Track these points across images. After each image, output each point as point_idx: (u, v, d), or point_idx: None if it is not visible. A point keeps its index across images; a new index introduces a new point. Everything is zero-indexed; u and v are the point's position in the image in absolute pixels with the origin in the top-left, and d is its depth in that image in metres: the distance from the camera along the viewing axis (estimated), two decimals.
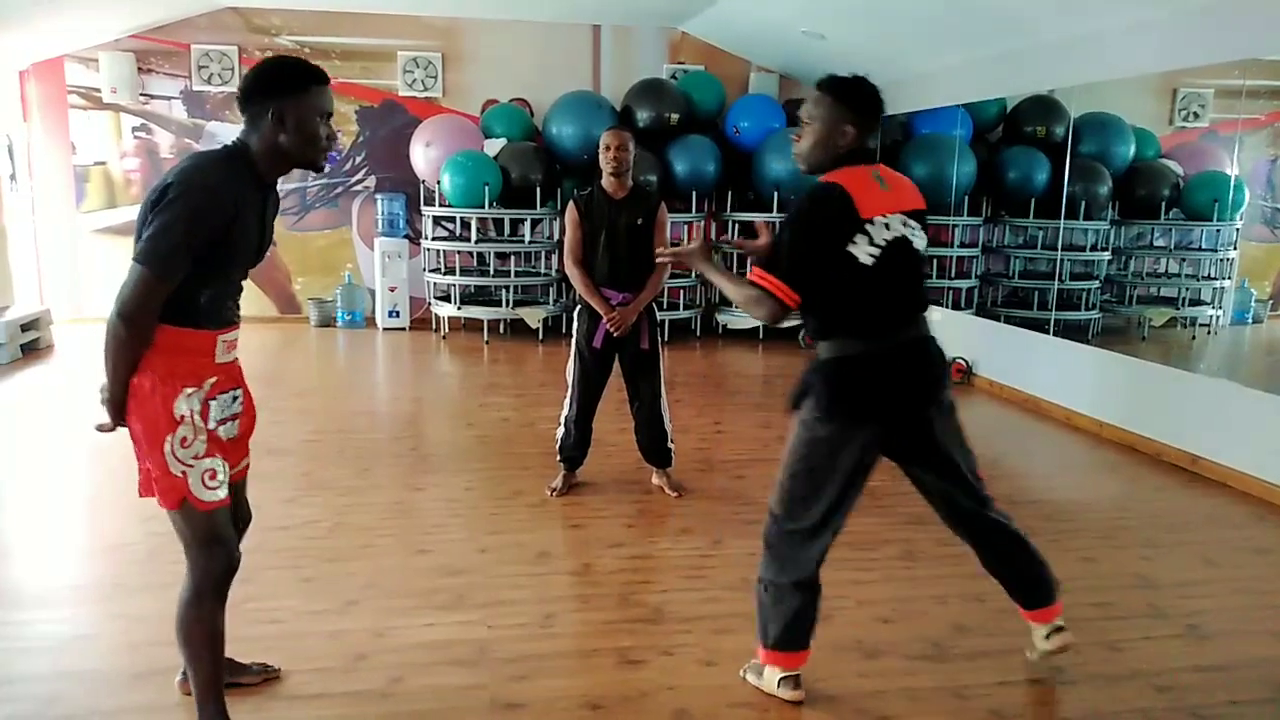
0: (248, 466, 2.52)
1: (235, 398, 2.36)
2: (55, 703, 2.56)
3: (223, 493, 2.23)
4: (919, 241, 2.51)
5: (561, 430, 4.38)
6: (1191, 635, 3.12)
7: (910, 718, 2.60)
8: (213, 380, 2.24)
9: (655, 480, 4.46)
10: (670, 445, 4.40)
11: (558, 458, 4.41)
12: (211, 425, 2.22)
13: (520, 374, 7.51)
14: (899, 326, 2.51)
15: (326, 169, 2.27)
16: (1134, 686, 2.76)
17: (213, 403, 2.23)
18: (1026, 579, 2.76)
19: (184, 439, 2.16)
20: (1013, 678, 2.81)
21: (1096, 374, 5.84)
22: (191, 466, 2.17)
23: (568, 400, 4.35)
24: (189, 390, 2.17)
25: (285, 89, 2.17)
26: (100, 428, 2.24)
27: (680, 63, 9.41)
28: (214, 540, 2.23)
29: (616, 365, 4.31)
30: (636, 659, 2.87)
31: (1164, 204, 7.69)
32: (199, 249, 2.08)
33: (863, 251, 2.37)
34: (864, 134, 2.47)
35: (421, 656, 2.85)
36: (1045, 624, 2.75)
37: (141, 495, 2.26)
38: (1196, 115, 7.58)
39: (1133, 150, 7.74)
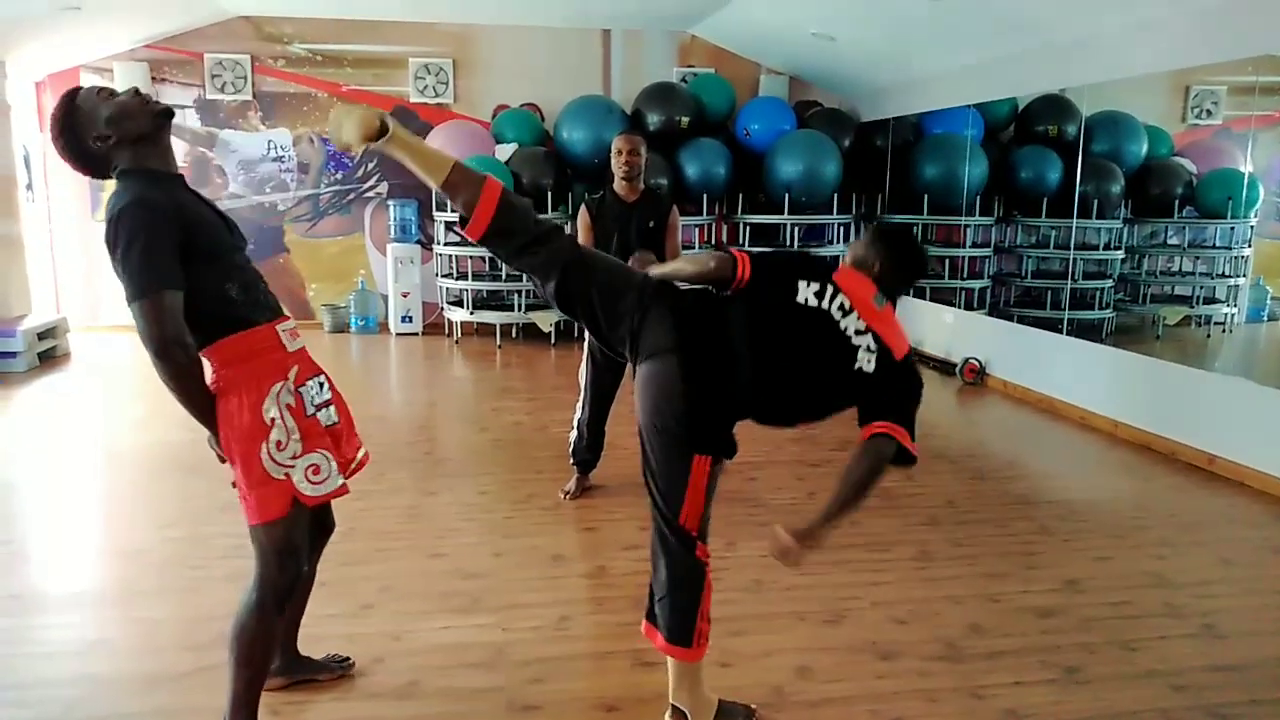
0: (367, 456, 2.53)
1: (322, 384, 2.35)
2: (78, 706, 2.59)
3: (335, 482, 2.23)
4: (862, 359, 2.31)
5: (574, 433, 4.39)
6: (1208, 634, 3.11)
7: (926, 719, 2.60)
8: (295, 369, 2.25)
9: None
10: None
11: (571, 461, 4.43)
12: (310, 412, 2.23)
13: (533, 378, 7.53)
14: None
15: (169, 109, 2.26)
16: (1151, 686, 2.76)
17: (302, 390, 2.24)
18: None
19: (279, 443, 2.15)
20: (1028, 678, 2.80)
21: (1111, 373, 5.81)
22: (293, 466, 2.17)
23: (580, 403, 4.36)
24: (277, 386, 2.17)
25: (75, 123, 2.17)
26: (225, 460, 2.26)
27: (690, 66, 9.42)
28: (287, 550, 2.23)
29: (629, 368, 4.31)
30: (651, 661, 2.86)
31: (1177, 202, 7.66)
32: (172, 247, 2.06)
33: (805, 293, 2.33)
34: (888, 275, 2.44)
35: (437, 659, 2.87)
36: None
37: (252, 523, 2.22)
38: (1209, 112, 7.55)
39: (1145, 148, 7.72)
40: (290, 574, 2.26)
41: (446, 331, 9.05)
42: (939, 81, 7.95)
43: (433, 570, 3.55)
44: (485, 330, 8.97)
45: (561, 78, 9.07)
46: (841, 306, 2.33)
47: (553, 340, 8.66)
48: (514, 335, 8.90)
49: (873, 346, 2.33)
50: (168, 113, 2.24)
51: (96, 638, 3.03)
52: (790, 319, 2.32)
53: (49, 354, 7.54)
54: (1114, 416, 5.70)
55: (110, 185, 2.20)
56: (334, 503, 4.24)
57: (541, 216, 2.67)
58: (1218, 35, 5.04)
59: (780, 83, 9.49)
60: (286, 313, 2.36)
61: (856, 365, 2.32)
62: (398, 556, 3.68)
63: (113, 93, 2.20)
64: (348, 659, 2.79)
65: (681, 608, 2.46)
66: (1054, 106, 8.08)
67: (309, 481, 2.19)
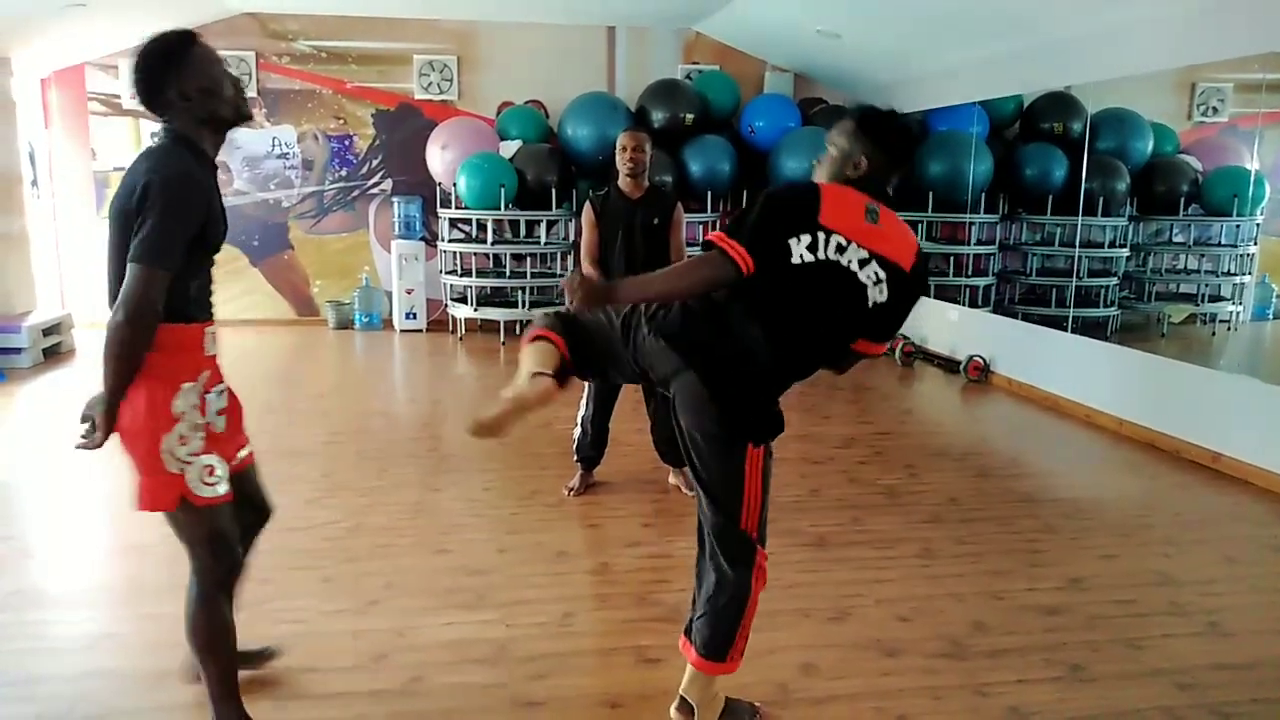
0: (251, 454, 2.52)
1: (222, 392, 2.36)
2: (82, 701, 2.59)
3: (223, 488, 2.23)
4: (873, 293, 2.25)
5: (578, 430, 4.39)
6: (1213, 633, 3.10)
7: (931, 715, 2.60)
8: (206, 373, 2.26)
9: (672, 479, 4.47)
10: None
11: (575, 458, 4.43)
12: (209, 418, 2.24)
13: None
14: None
15: (253, 116, 2.29)
16: (1155, 684, 2.75)
17: (208, 396, 2.25)
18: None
19: (182, 436, 2.15)
20: (1033, 675, 2.80)
21: (1116, 371, 5.80)
22: (189, 463, 2.16)
23: (584, 401, 4.36)
24: (187, 385, 2.18)
25: (170, 65, 2.16)
26: (85, 445, 2.17)
27: (695, 63, 9.41)
28: (217, 538, 2.24)
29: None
30: (655, 657, 2.88)
31: (1183, 199, 7.64)
32: (191, 235, 2.09)
33: (798, 251, 2.21)
34: (878, 170, 2.32)
35: (442, 655, 2.87)
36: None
37: (139, 508, 2.19)
38: (1216, 110, 7.53)
39: (1151, 146, 7.70)
40: (226, 561, 2.27)
41: (450, 328, 9.05)
42: (944, 78, 7.93)
43: (437, 566, 3.56)
44: (489, 327, 8.97)
45: (566, 74, 9.07)
46: (839, 247, 2.21)
47: None
48: (517, 332, 8.89)
49: (880, 274, 2.24)
50: (247, 117, 2.28)
51: (102, 633, 3.04)
52: (791, 286, 2.21)
53: (54, 350, 7.55)
54: (1119, 414, 5.69)
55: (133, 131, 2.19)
56: (340, 497, 4.28)
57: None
58: (1224, 32, 5.03)
59: (785, 80, 9.48)
60: (214, 317, 2.35)
61: (870, 302, 2.25)
62: (402, 552, 3.69)
63: (225, 69, 2.23)
64: (271, 648, 2.75)
65: (725, 624, 2.40)
66: (1059, 103, 8.06)
67: (203, 482, 2.18)
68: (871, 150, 2.31)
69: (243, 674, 2.49)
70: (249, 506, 2.51)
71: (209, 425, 2.24)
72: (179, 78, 2.16)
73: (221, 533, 2.25)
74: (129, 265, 2.05)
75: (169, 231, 2.05)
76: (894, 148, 2.35)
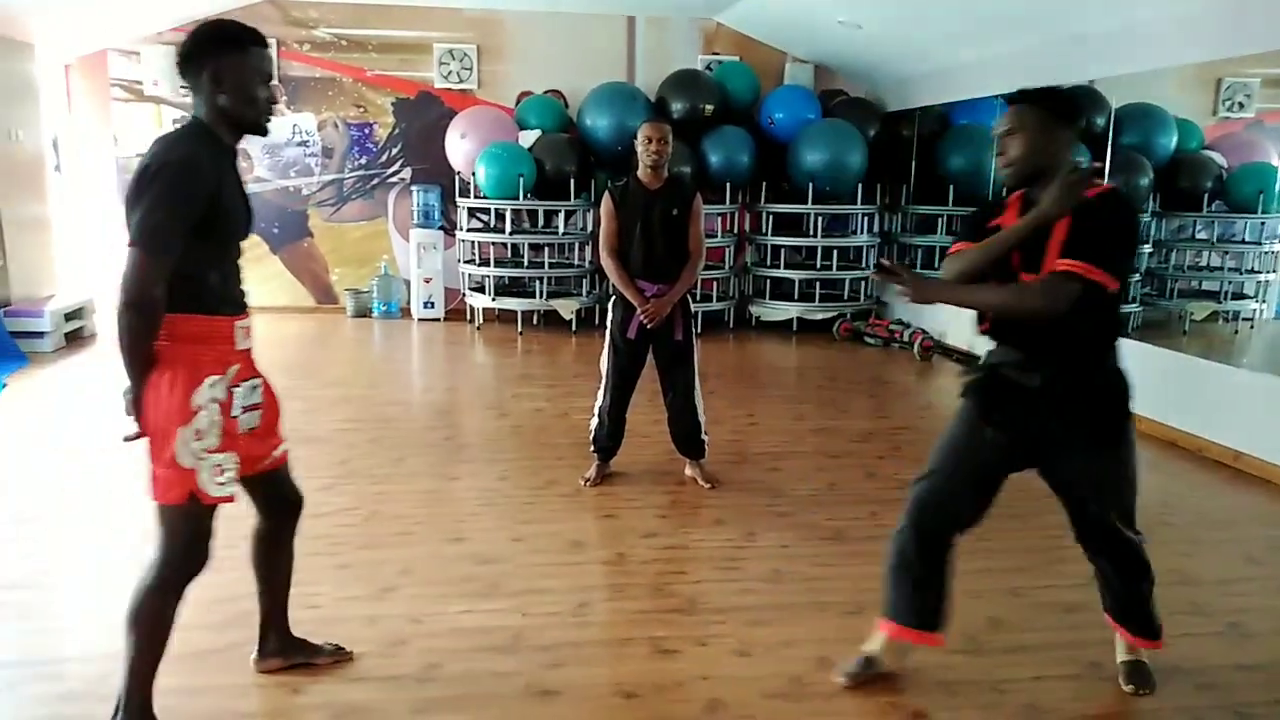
0: (286, 453, 2.53)
1: (255, 387, 2.36)
2: (104, 681, 2.61)
3: (230, 489, 2.22)
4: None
5: (595, 421, 4.39)
6: (1233, 633, 3.08)
7: (947, 711, 2.59)
8: (236, 368, 2.25)
9: (688, 472, 4.47)
10: (704, 437, 4.40)
11: (591, 448, 4.43)
12: (234, 413, 2.23)
13: (554, 365, 7.53)
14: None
15: (269, 132, 2.30)
16: (1175, 684, 2.73)
17: (236, 390, 2.24)
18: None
19: (198, 431, 2.15)
20: (1050, 673, 2.79)
21: (1136, 368, 5.66)
22: (203, 459, 2.16)
23: (602, 391, 4.36)
24: (213, 379, 2.17)
25: (221, 49, 2.18)
26: (130, 438, 2.21)
27: (715, 53, 9.37)
28: (201, 539, 2.23)
29: (651, 356, 4.31)
30: (670, 648, 2.88)
31: (1207, 196, 7.55)
32: (191, 222, 2.08)
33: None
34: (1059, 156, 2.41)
35: (457, 643, 2.88)
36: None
37: (151, 498, 2.21)
38: (1241, 105, 7.43)
39: (1175, 141, 7.60)
40: (198, 561, 2.25)
41: (468, 317, 9.07)
42: (967, 71, 7.86)
43: (452, 554, 3.57)
44: (507, 317, 8.98)
45: (586, 64, 9.05)
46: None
47: (574, 328, 8.66)
48: (535, 322, 8.91)
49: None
50: (263, 131, 2.29)
51: (119, 614, 3.05)
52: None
53: (76, 334, 7.61)
54: (1139, 412, 5.60)
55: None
56: (356, 485, 4.30)
57: None
58: (1252, 26, 4.95)
59: (806, 71, 9.43)
60: (248, 306, 2.35)
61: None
62: (418, 540, 3.70)
63: (270, 78, 2.26)
64: (344, 649, 2.78)
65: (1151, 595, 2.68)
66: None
67: (213, 481, 2.18)
68: (1066, 143, 2.45)
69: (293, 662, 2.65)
70: (281, 501, 2.53)
71: (232, 422, 2.23)
72: (222, 61, 2.17)
73: (206, 533, 2.24)
74: (126, 249, 2.06)
75: (163, 216, 2.05)
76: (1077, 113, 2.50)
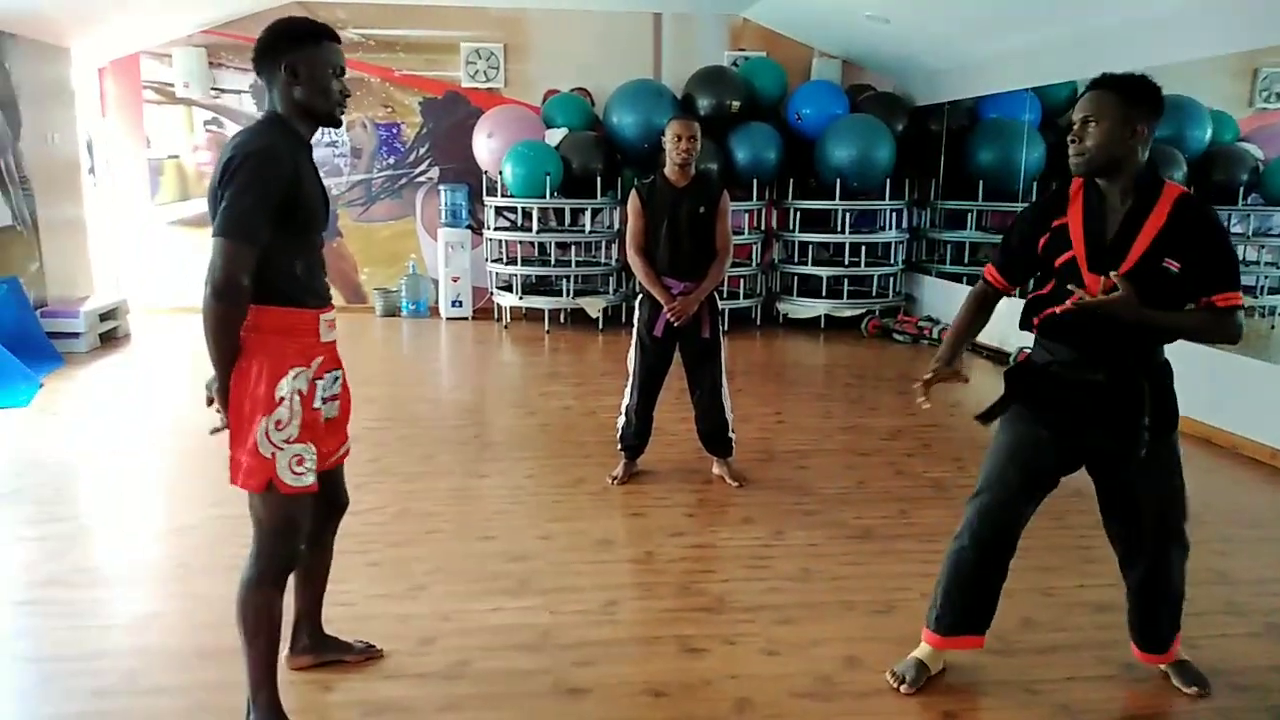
0: (348, 452, 2.56)
1: (336, 378, 2.40)
2: (136, 676, 2.66)
3: (310, 479, 2.24)
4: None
5: (622, 419, 4.39)
6: (1271, 634, 3.03)
7: (979, 712, 2.57)
8: (319, 360, 2.29)
9: (716, 470, 4.46)
10: (731, 435, 4.39)
11: (618, 446, 4.43)
12: (316, 405, 2.26)
13: (581, 363, 7.55)
14: None
15: (343, 123, 2.35)
16: (1211, 684, 2.69)
17: (319, 382, 2.27)
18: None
19: (279, 421, 2.18)
20: (1083, 673, 2.76)
21: (1171, 364, 5.66)
22: (282, 449, 2.19)
23: (629, 389, 4.36)
24: (296, 370, 2.21)
25: (296, 44, 2.24)
26: (216, 430, 2.25)
27: (741, 49, 9.34)
28: (290, 529, 2.26)
29: (678, 354, 4.30)
30: (698, 647, 2.87)
31: (1242, 189, 7.43)
32: (275, 212, 2.12)
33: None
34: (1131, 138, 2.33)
35: (487, 640, 2.89)
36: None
37: (233, 483, 2.25)
38: (1279, 96, 7.31)
39: (1210, 133, 7.49)
40: (289, 550, 2.28)
41: (496, 316, 9.10)
42: (996, 65, 7.78)
43: (481, 552, 3.58)
44: (534, 315, 9.01)
45: (612, 62, 9.05)
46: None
47: (600, 326, 8.67)
48: (562, 321, 8.93)
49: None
50: (336, 123, 2.33)
51: (151, 611, 3.10)
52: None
53: (110, 335, 7.71)
54: None
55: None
56: (386, 483, 4.33)
57: None
58: None
59: (833, 66, 9.38)
60: (333, 302, 2.39)
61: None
62: (447, 538, 3.72)
63: (343, 71, 2.31)
64: (375, 646, 2.80)
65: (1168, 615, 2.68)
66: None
67: (291, 470, 2.20)
68: (1148, 124, 2.37)
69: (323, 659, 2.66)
70: (331, 503, 2.55)
71: (315, 414, 2.26)
72: (297, 55, 2.23)
73: (294, 523, 2.27)
74: (212, 240, 2.09)
75: (248, 204, 2.08)
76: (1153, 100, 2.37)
